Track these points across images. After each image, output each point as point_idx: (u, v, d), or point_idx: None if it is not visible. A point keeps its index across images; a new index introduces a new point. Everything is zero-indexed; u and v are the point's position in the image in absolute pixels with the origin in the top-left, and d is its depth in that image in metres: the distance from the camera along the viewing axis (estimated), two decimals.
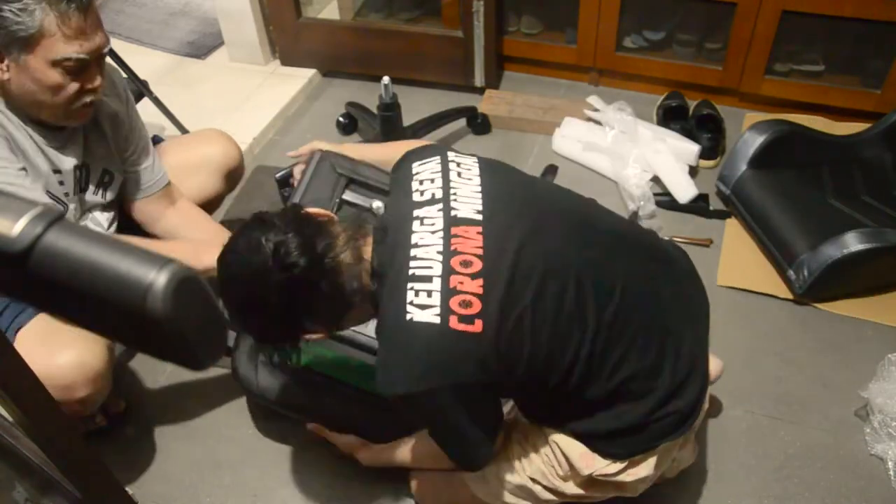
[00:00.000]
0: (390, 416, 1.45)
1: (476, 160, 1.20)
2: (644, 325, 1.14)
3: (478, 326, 1.01)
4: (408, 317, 1.01)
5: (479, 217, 1.09)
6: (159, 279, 0.39)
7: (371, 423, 1.45)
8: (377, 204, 1.58)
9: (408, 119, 2.16)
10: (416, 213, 1.10)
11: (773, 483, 1.48)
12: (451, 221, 1.07)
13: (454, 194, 1.11)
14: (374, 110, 2.09)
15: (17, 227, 0.41)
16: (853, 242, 1.69)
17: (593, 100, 2.38)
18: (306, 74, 2.65)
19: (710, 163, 2.21)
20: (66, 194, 1.44)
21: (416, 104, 2.41)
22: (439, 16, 2.65)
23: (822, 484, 1.47)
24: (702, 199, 2.07)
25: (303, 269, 1.02)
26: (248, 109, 2.51)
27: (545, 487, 1.24)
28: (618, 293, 1.12)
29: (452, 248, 1.05)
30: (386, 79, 1.99)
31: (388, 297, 1.06)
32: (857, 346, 1.72)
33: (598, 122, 2.30)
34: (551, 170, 2.20)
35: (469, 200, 1.11)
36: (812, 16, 2.14)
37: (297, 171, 1.63)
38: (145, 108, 2.30)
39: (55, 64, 1.25)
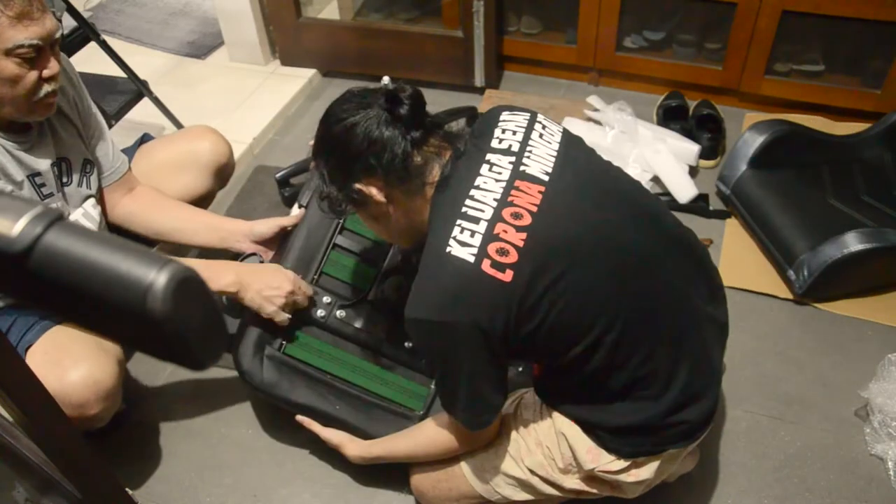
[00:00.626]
0: (392, 416, 1.45)
1: (562, 130, 1.22)
2: (678, 328, 1.15)
3: (508, 276, 1.03)
4: (447, 249, 1.04)
5: (546, 178, 1.10)
6: (159, 279, 0.39)
7: (373, 421, 1.45)
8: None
9: None
10: (488, 156, 1.13)
11: (773, 483, 1.48)
12: (517, 175, 1.10)
13: (529, 151, 1.13)
14: None
15: (17, 227, 0.41)
16: (853, 242, 1.69)
17: (593, 100, 2.38)
18: (306, 74, 2.65)
19: (710, 163, 2.21)
20: (51, 194, 1.42)
21: None
22: (439, 16, 2.65)
23: (822, 484, 1.48)
24: (702, 199, 2.07)
25: (404, 116, 1.09)
26: (248, 109, 2.51)
27: (543, 479, 1.24)
28: (658, 291, 1.14)
29: (510, 199, 1.07)
30: (386, 79, 1.99)
31: (438, 223, 1.09)
32: (857, 346, 1.72)
33: (598, 122, 2.30)
34: None
35: (542, 161, 1.13)
36: (812, 16, 2.14)
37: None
38: (145, 108, 2.31)
39: (8, 53, 1.22)
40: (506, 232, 1.04)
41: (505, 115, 1.20)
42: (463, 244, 1.04)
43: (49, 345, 1.35)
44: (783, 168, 1.98)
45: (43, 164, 1.40)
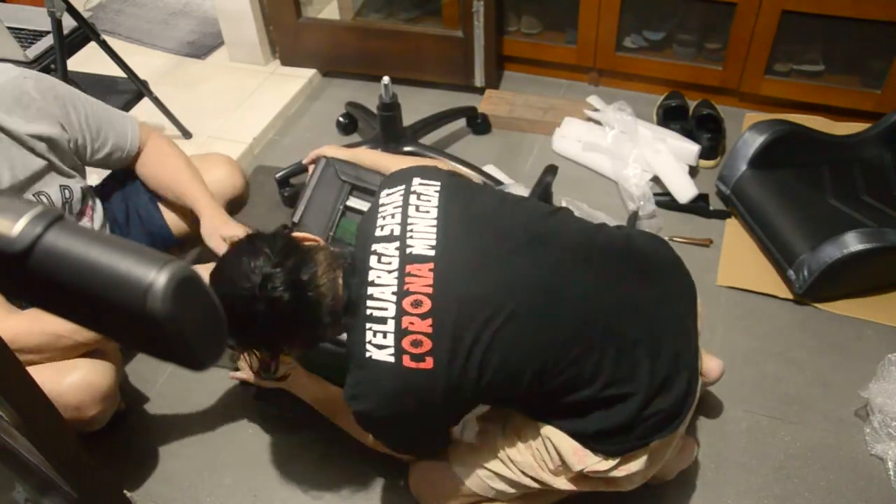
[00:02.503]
0: None
1: (438, 188, 1.21)
2: (618, 331, 1.15)
3: (429, 364, 1.08)
4: (367, 354, 1.10)
5: (432, 253, 1.13)
6: (159, 279, 0.39)
7: None
8: None
9: (408, 119, 2.16)
10: (374, 247, 1.16)
11: (773, 483, 1.48)
12: (405, 259, 1.13)
13: (410, 230, 1.15)
14: (374, 110, 2.09)
15: (17, 227, 0.41)
16: (853, 242, 1.69)
17: (593, 100, 2.38)
18: (306, 74, 2.65)
19: (710, 163, 2.21)
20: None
21: (416, 104, 2.41)
22: (439, 16, 2.65)
23: (822, 484, 1.47)
24: (702, 199, 2.07)
25: (286, 303, 1.08)
26: (248, 109, 2.51)
27: (535, 479, 1.25)
28: (580, 306, 1.15)
29: (405, 287, 1.10)
30: (386, 79, 1.99)
31: (353, 331, 1.14)
32: (857, 346, 1.72)
33: (598, 122, 2.30)
34: (551, 170, 2.19)
35: (424, 236, 1.15)
36: (812, 16, 2.14)
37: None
38: (145, 109, 2.31)
39: None
40: (413, 324, 1.09)
41: (383, 197, 1.23)
42: (379, 346, 1.10)
43: None
44: (783, 168, 1.98)
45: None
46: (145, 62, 2.63)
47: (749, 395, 1.63)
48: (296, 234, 1.20)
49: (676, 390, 1.17)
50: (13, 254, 0.40)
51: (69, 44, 2.06)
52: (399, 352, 1.08)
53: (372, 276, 1.13)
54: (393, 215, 1.18)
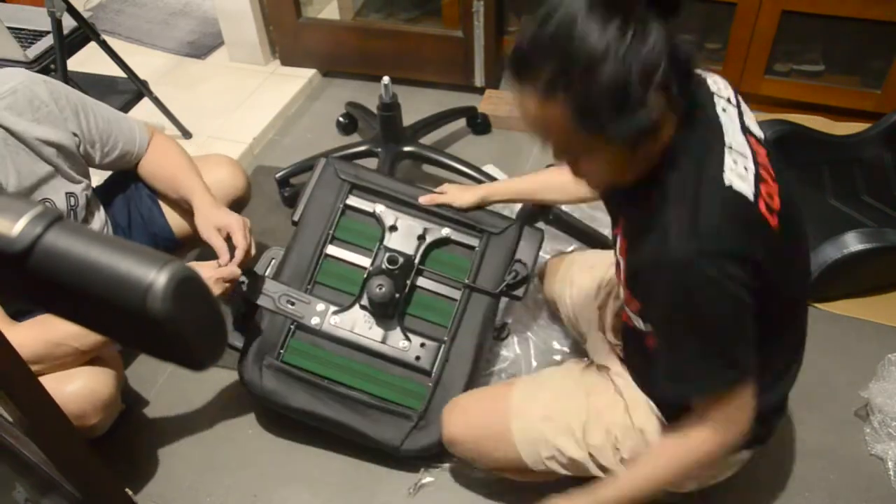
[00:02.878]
0: (392, 416, 1.45)
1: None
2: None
3: (774, 221, 0.95)
4: (727, 181, 0.91)
5: (762, 136, 1.04)
6: (159, 279, 0.39)
7: (373, 422, 1.45)
8: (380, 208, 1.58)
9: (408, 119, 2.16)
10: (716, 100, 1.02)
11: (773, 483, 1.48)
12: (745, 129, 1.02)
13: (742, 111, 1.05)
14: (374, 110, 2.09)
15: (17, 227, 0.41)
16: (853, 242, 1.69)
17: None
18: (306, 74, 2.65)
19: None
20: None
21: (416, 104, 2.41)
22: (439, 16, 2.65)
23: (822, 484, 1.47)
24: None
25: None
26: (248, 109, 2.51)
27: (599, 465, 1.21)
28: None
29: (753, 149, 0.98)
30: (386, 79, 1.99)
31: (698, 151, 0.93)
32: (857, 346, 1.72)
33: None
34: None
35: (750, 117, 1.06)
36: (812, 16, 2.14)
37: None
38: (145, 109, 2.31)
39: None
40: (765, 178, 0.96)
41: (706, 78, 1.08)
42: (741, 178, 0.92)
43: None
44: (783, 168, 1.97)
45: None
46: (145, 62, 2.63)
47: None
48: None
49: (780, 417, 1.21)
50: (13, 254, 0.40)
51: (69, 44, 2.06)
52: (758, 193, 0.92)
53: (722, 117, 0.98)
54: (725, 87, 1.07)
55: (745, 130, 1.02)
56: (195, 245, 1.84)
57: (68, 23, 2.00)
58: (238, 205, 1.73)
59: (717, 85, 1.07)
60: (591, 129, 0.88)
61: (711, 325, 0.95)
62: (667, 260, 0.92)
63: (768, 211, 0.94)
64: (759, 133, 1.06)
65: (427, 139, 2.26)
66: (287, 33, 2.61)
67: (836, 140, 2.08)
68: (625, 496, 1.09)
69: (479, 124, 2.38)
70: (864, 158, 2.05)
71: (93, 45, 2.13)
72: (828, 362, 1.69)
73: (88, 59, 2.31)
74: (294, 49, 2.64)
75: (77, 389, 1.31)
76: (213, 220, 1.48)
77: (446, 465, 1.51)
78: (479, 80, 2.49)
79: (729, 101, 1.04)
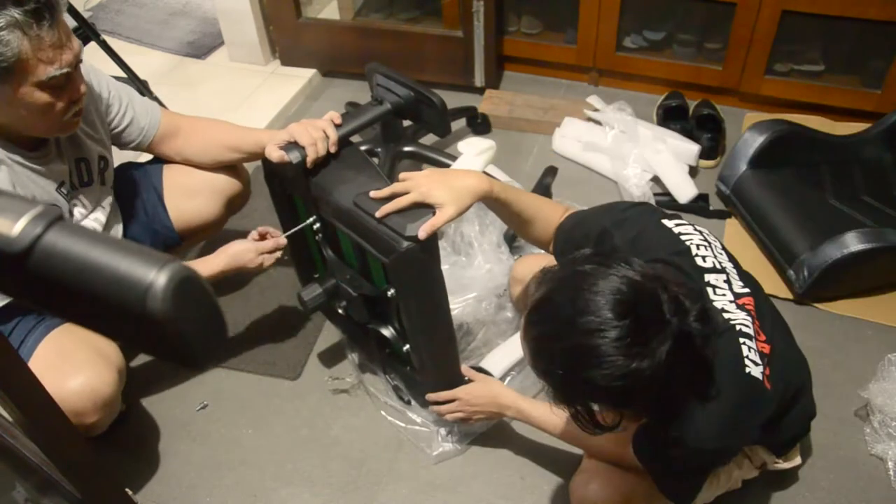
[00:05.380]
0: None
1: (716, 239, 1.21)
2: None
3: (768, 384, 1.05)
4: (747, 370, 1.00)
5: (747, 290, 1.10)
6: (159, 279, 0.39)
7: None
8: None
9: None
10: (707, 278, 1.09)
11: (773, 483, 1.48)
12: (735, 294, 1.09)
13: (725, 268, 1.11)
14: None
15: (17, 227, 0.41)
16: (853, 242, 1.68)
17: (593, 100, 2.38)
18: (306, 74, 2.65)
19: (710, 163, 2.21)
20: (76, 198, 1.44)
21: None
22: (439, 16, 2.65)
23: (822, 484, 1.47)
24: (702, 199, 2.07)
25: (697, 329, 0.92)
26: (248, 109, 2.51)
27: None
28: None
29: (746, 307, 1.08)
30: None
31: (724, 344, 1.01)
32: (857, 346, 1.72)
33: (598, 122, 2.30)
34: (551, 171, 2.20)
35: (735, 277, 1.12)
36: (812, 16, 2.14)
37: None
38: None
39: (42, 86, 1.22)
40: (759, 338, 1.06)
41: (672, 226, 1.15)
42: (755, 363, 1.02)
43: (49, 351, 1.35)
44: (783, 168, 1.98)
45: (64, 168, 1.41)
46: (145, 62, 2.63)
47: None
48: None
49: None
50: (13, 254, 0.40)
51: None
52: (763, 370, 1.03)
53: (716, 301, 1.07)
54: (706, 247, 1.13)
55: (736, 296, 1.10)
56: (197, 242, 1.85)
57: (68, 22, 2.00)
58: (237, 200, 1.74)
59: (695, 240, 1.15)
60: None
61: (699, 478, 1.15)
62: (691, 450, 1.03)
63: (767, 379, 1.05)
64: (740, 283, 1.13)
65: (427, 139, 2.26)
66: (287, 33, 2.61)
67: (836, 140, 2.08)
68: (531, 419, 1.34)
69: (479, 124, 2.38)
70: (864, 158, 2.05)
71: (93, 45, 2.13)
72: (828, 362, 1.69)
73: (88, 59, 2.30)
74: (294, 49, 2.64)
75: (78, 386, 1.31)
76: (275, 140, 1.43)
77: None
78: (479, 80, 2.49)
79: (715, 269, 1.12)
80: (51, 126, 1.30)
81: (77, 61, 1.27)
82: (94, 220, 1.50)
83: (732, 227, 2.02)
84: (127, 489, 1.30)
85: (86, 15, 2.11)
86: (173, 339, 0.41)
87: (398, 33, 2.53)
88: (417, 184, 1.22)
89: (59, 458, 0.67)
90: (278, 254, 1.51)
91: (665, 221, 1.17)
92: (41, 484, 0.86)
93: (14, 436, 0.81)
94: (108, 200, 1.55)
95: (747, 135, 1.99)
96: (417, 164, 2.24)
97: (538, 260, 1.46)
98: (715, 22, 2.36)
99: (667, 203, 2.07)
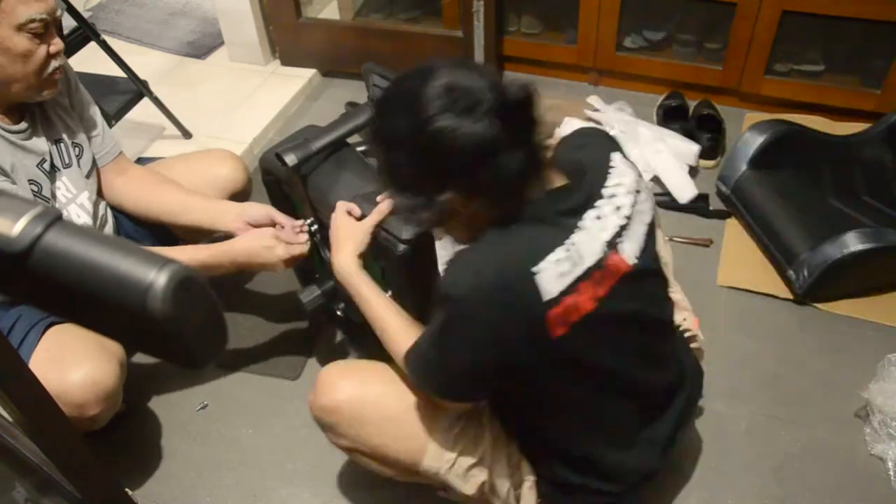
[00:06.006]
0: None
1: (651, 204, 1.15)
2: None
3: (558, 332, 0.99)
4: (535, 269, 0.96)
5: (632, 262, 1.06)
6: (159, 279, 0.39)
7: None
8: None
9: None
10: (599, 203, 1.04)
11: (773, 483, 1.48)
12: (613, 246, 1.04)
13: (629, 227, 1.07)
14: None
15: (17, 227, 0.41)
16: (853, 242, 1.69)
17: (593, 100, 2.38)
18: (306, 74, 2.65)
19: (710, 163, 2.21)
20: (55, 179, 1.45)
21: None
22: (439, 16, 2.65)
23: (822, 484, 1.47)
24: (702, 199, 2.07)
25: (517, 103, 0.94)
26: (248, 109, 2.51)
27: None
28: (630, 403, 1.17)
29: (605, 263, 1.02)
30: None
31: (533, 229, 1.00)
32: (857, 346, 1.72)
33: (598, 122, 2.30)
34: None
35: (634, 243, 1.08)
36: (812, 16, 2.14)
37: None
38: (145, 109, 2.31)
39: (21, 28, 1.26)
40: (582, 294, 1.00)
41: (618, 164, 1.11)
42: (558, 276, 0.97)
43: (52, 343, 1.36)
44: (783, 168, 1.98)
45: (44, 146, 1.42)
46: (145, 62, 2.63)
47: (749, 395, 1.63)
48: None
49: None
50: (13, 254, 0.41)
51: (69, 44, 2.06)
52: (555, 302, 0.97)
53: (588, 224, 1.02)
54: (627, 192, 1.08)
55: (615, 248, 1.04)
56: (195, 241, 1.84)
57: (68, 23, 2.01)
58: (239, 199, 1.74)
59: (622, 187, 1.09)
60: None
61: (443, 345, 1.05)
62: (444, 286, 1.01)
63: (560, 320, 0.99)
64: (633, 251, 1.07)
65: None
66: (287, 33, 2.61)
67: (836, 140, 2.08)
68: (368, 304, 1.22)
69: None
70: (864, 158, 2.05)
71: (93, 45, 2.13)
72: (828, 362, 1.69)
73: (88, 59, 2.30)
74: (294, 49, 2.64)
75: (80, 378, 1.31)
76: (244, 217, 1.49)
77: None
78: None
79: (618, 211, 1.06)
80: (31, 77, 1.32)
81: (54, 14, 1.31)
82: (80, 205, 1.50)
83: (732, 227, 2.02)
84: (127, 489, 1.30)
85: (86, 15, 2.11)
86: (173, 339, 0.41)
87: (398, 33, 2.53)
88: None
89: (59, 458, 0.67)
90: (303, 248, 1.46)
91: (614, 153, 1.13)
92: (41, 484, 0.86)
93: (14, 436, 0.81)
94: (94, 192, 1.55)
95: (747, 135, 1.99)
96: None
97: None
98: (715, 22, 2.37)
99: (667, 203, 2.07)
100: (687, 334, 1.35)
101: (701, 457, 1.52)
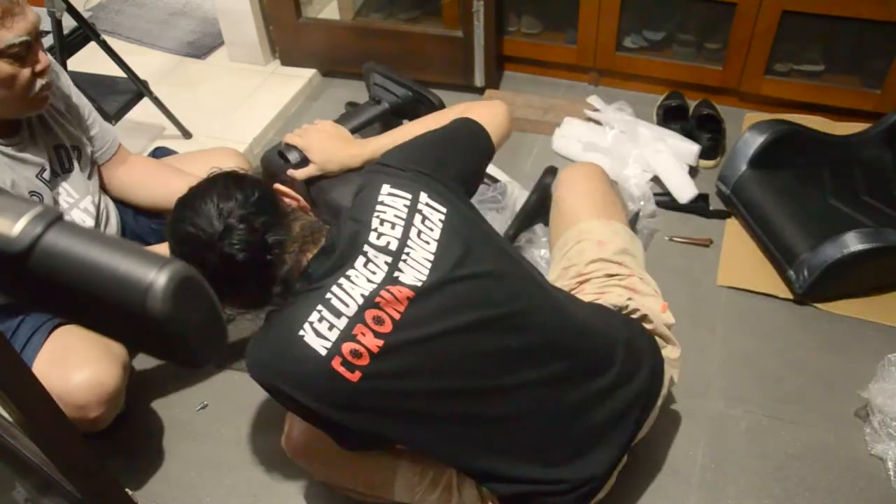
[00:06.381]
0: None
1: (443, 218, 1.14)
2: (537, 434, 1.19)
3: (356, 377, 1.05)
4: (300, 333, 1.05)
5: (419, 286, 1.08)
6: (159, 279, 0.39)
7: None
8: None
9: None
10: (366, 249, 1.09)
11: (773, 483, 1.48)
12: (390, 280, 1.07)
13: (407, 254, 1.09)
14: None
15: (17, 227, 0.41)
16: (853, 242, 1.69)
17: (593, 100, 2.38)
18: (306, 74, 2.65)
19: (710, 163, 2.21)
20: (56, 186, 1.45)
21: None
22: (439, 16, 2.65)
23: (822, 484, 1.47)
24: (702, 199, 2.07)
25: (238, 263, 1.03)
26: (248, 109, 2.51)
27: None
28: (507, 408, 1.16)
29: (377, 300, 1.06)
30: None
31: (298, 303, 1.08)
32: (857, 346, 1.72)
33: (598, 122, 2.30)
34: (551, 171, 2.19)
35: (416, 266, 1.09)
36: (812, 16, 2.14)
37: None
38: (145, 109, 2.31)
39: (1, 55, 1.23)
40: (363, 335, 1.05)
41: (384, 196, 1.14)
42: (318, 334, 1.04)
43: (56, 345, 1.36)
44: (783, 168, 1.98)
45: (43, 155, 1.41)
46: (145, 62, 2.63)
47: (749, 395, 1.63)
48: (278, 187, 1.14)
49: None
50: (13, 254, 0.40)
51: (69, 44, 2.06)
52: (335, 350, 1.04)
53: (351, 273, 1.07)
54: (393, 226, 1.11)
55: (390, 282, 1.07)
56: None
57: (68, 23, 2.00)
58: None
59: (387, 224, 1.12)
60: None
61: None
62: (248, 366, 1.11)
63: (345, 366, 1.04)
64: (421, 277, 1.09)
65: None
66: (287, 33, 2.61)
67: (836, 140, 2.08)
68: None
69: None
70: (864, 158, 2.05)
71: (93, 45, 2.13)
72: (828, 362, 1.69)
73: (88, 59, 2.30)
74: (294, 49, 2.64)
75: (84, 380, 1.31)
76: None
77: None
78: (479, 80, 2.49)
79: (386, 249, 1.10)
80: (18, 100, 1.30)
81: (36, 32, 1.27)
82: (84, 209, 1.50)
83: (732, 227, 2.02)
84: (127, 489, 1.30)
85: (86, 15, 2.11)
86: (173, 339, 0.41)
87: (398, 33, 2.53)
88: (307, 140, 1.42)
89: (59, 458, 0.67)
90: None
91: (384, 186, 1.16)
92: (41, 484, 0.86)
93: (14, 436, 0.81)
94: (97, 192, 1.55)
95: (747, 135, 1.99)
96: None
97: None
98: (715, 22, 2.36)
99: (667, 203, 2.07)
100: (635, 314, 1.32)
101: (701, 457, 1.52)
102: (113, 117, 2.11)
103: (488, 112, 1.35)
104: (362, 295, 1.06)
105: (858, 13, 2.08)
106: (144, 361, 1.75)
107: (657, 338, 1.34)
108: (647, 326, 1.33)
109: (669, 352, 1.34)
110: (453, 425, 1.14)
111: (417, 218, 1.13)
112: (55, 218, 0.42)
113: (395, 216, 1.13)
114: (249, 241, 1.03)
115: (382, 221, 1.12)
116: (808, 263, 1.75)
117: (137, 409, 1.66)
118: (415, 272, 1.09)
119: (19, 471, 0.87)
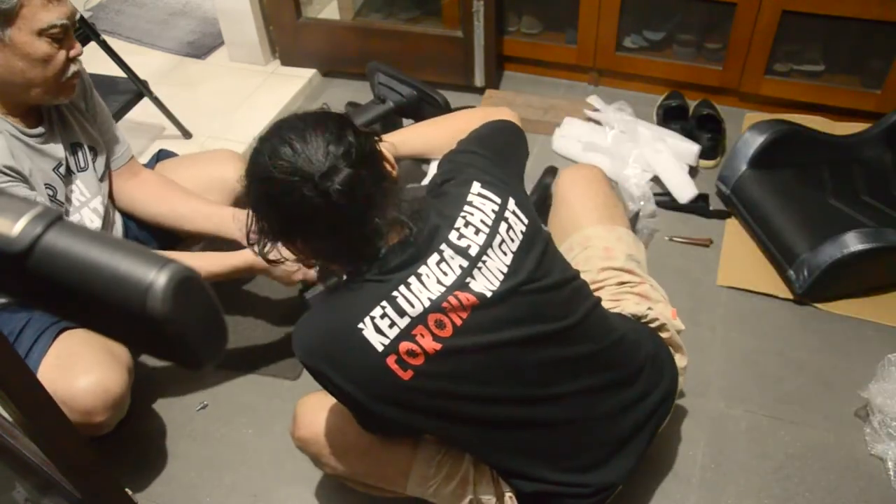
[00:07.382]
0: None
1: (524, 230, 1.14)
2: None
3: (408, 375, 1.05)
4: (360, 326, 1.04)
5: (487, 295, 1.07)
6: (159, 279, 0.39)
7: None
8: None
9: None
10: (443, 247, 1.07)
11: (773, 483, 1.48)
12: (460, 286, 1.06)
13: (483, 262, 1.08)
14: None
15: (17, 227, 0.41)
16: (853, 242, 1.69)
17: (593, 100, 2.38)
18: (306, 74, 2.65)
19: (710, 163, 2.21)
20: (71, 182, 1.45)
21: None
22: (439, 16, 2.65)
23: (822, 484, 1.47)
24: (702, 199, 2.07)
25: (332, 205, 0.98)
26: (248, 109, 2.51)
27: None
28: (547, 416, 1.17)
29: (443, 305, 1.05)
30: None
31: (361, 293, 1.06)
32: (857, 346, 1.72)
33: (598, 122, 2.30)
34: (551, 171, 2.19)
35: (490, 277, 1.08)
36: (812, 16, 2.14)
37: None
38: (145, 109, 2.31)
39: (41, 33, 1.27)
40: (422, 337, 1.04)
41: (474, 196, 1.12)
42: (378, 330, 1.04)
43: (61, 349, 1.36)
44: (783, 168, 1.98)
45: (60, 151, 1.42)
46: (145, 62, 2.63)
47: (749, 395, 1.63)
48: (382, 149, 1.09)
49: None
50: (13, 254, 0.40)
51: None
52: (391, 349, 1.03)
53: (423, 271, 1.05)
54: (477, 231, 1.09)
55: (459, 287, 1.06)
56: (199, 240, 1.84)
57: None
58: (242, 200, 1.74)
59: (471, 227, 1.11)
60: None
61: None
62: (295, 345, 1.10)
63: (399, 364, 1.04)
64: (491, 287, 1.08)
65: None
66: (287, 33, 2.61)
67: (836, 140, 2.08)
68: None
69: None
70: (864, 158, 2.05)
71: (93, 45, 2.13)
72: (828, 362, 1.69)
73: (88, 59, 2.29)
74: (294, 49, 2.64)
75: (89, 385, 1.32)
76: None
77: None
78: (479, 80, 2.49)
79: (465, 252, 1.08)
80: (50, 82, 1.33)
81: (73, 19, 1.33)
82: (93, 209, 1.50)
83: (732, 227, 2.02)
84: (127, 489, 1.30)
85: (86, 15, 2.11)
86: (173, 339, 0.41)
87: (398, 33, 2.53)
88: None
89: (59, 458, 0.67)
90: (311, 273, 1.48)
91: (475, 184, 1.13)
92: (41, 484, 0.86)
93: (14, 436, 0.81)
94: (107, 195, 1.55)
95: (747, 135, 1.99)
96: (418, 164, 2.24)
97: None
98: (715, 22, 2.37)
99: (667, 203, 2.07)
100: (654, 324, 1.34)
101: (701, 457, 1.52)
102: (113, 117, 2.10)
103: (511, 115, 1.36)
104: (430, 298, 1.05)
105: (858, 13, 2.08)
106: (145, 361, 1.75)
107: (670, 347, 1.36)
108: (664, 335, 1.34)
109: (678, 360, 1.36)
110: (493, 429, 1.15)
111: (503, 227, 1.11)
112: (55, 218, 0.42)
113: (482, 221, 1.10)
114: (354, 187, 0.98)
115: (468, 224, 1.10)
116: (808, 263, 1.75)
117: (138, 409, 1.66)
118: (486, 281, 1.08)
119: (19, 471, 0.87)
